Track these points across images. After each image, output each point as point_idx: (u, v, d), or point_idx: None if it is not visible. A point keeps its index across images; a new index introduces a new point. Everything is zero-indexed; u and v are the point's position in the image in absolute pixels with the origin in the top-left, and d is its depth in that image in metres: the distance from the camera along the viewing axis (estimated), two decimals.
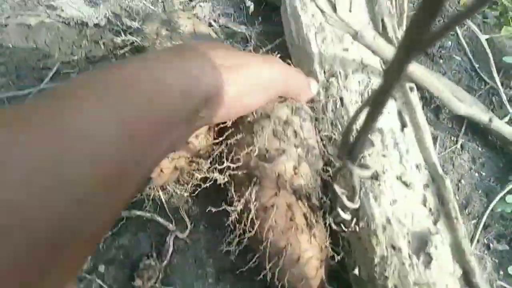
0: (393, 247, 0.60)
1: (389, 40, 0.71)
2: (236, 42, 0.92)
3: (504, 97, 0.88)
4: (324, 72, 0.75)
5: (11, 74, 0.76)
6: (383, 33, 0.74)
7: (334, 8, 0.60)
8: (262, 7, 0.96)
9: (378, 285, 0.60)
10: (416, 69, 0.73)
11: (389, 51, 0.66)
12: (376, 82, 0.73)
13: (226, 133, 0.59)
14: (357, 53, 0.73)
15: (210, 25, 0.87)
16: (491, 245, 0.80)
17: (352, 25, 0.64)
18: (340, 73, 0.73)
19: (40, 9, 0.80)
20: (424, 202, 0.64)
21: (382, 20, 0.75)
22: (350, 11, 0.69)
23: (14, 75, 0.76)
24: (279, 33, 0.93)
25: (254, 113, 0.61)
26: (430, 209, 0.63)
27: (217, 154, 0.62)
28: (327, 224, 0.60)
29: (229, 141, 0.59)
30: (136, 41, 0.75)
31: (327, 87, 0.73)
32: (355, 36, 0.64)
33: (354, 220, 0.56)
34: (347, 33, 0.66)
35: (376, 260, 0.60)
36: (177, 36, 0.75)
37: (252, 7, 0.86)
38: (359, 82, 0.73)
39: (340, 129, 0.71)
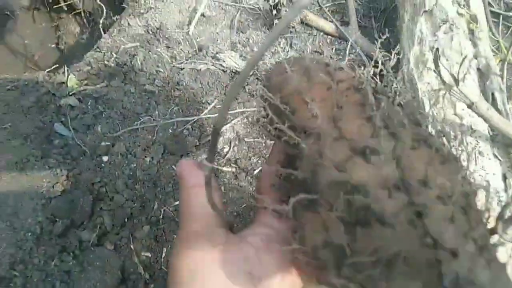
0: None
1: (499, 112, 0.83)
2: None
3: None
4: (436, 132, 0.87)
5: (182, 105, 1.00)
6: (493, 105, 0.86)
7: (456, 82, 0.74)
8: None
9: None
10: None
11: (500, 122, 0.77)
12: (483, 146, 0.83)
13: None
14: (467, 119, 0.85)
15: None
16: None
17: (470, 97, 0.76)
18: (450, 134, 0.85)
19: (207, 59, 1.06)
20: None
21: (493, 94, 0.87)
22: (463, 82, 0.83)
23: (185, 106, 1.00)
24: None
25: None
26: None
27: None
28: None
29: None
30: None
31: None
32: (471, 106, 0.76)
33: None
34: (464, 103, 0.78)
35: None
36: None
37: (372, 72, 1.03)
38: (467, 144, 0.85)
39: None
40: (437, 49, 0.68)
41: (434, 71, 0.70)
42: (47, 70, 1.03)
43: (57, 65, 1.05)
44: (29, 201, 0.78)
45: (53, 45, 1.78)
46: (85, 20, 1.67)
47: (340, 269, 0.25)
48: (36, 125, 0.91)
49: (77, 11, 1.64)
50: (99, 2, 1.41)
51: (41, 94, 0.96)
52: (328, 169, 0.26)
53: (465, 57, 0.77)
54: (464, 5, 1.01)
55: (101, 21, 1.25)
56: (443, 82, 0.73)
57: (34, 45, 1.76)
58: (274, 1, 1.08)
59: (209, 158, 0.31)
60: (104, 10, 1.43)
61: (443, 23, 0.97)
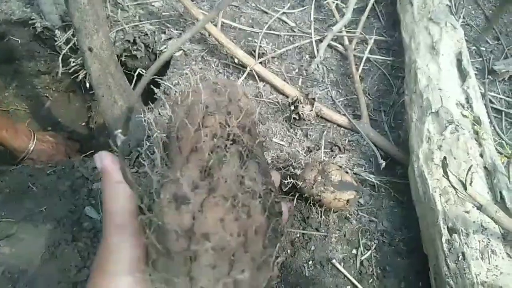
0: None
1: (507, 211, 0.86)
2: (365, 187, 1.15)
3: None
4: (447, 228, 0.91)
5: None
6: (501, 203, 0.90)
7: (464, 186, 0.79)
8: (388, 160, 1.19)
9: None
10: None
11: (510, 224, 0.81)
12: (495, 244, 0.86)
13: None
14: (477, 216, 0.89)
15: (346, 172, 1.12)
16: None
17: (478, 199, 0.81)
18: (462, 231, 0.89)
19: None
20: None
21: (500, 192, 0.91)
22: (471, 184, 0.88)
23: None
24: (401, 184, 1.14)
25: None
26: None
27: None
28: None
29: None
30: (297, 183, 1.02)
31: (450, 241, 0.89)
32: (480, 208, 0.81)
33: None
34: (473, 205, 0.83)
35: None
36: (329, 183, 1.00)
37: (383, 165, 1.10)
38: (479, 241, 0.87)
39: (459, 277, 0.84)
40: (445, 157, 0.75)
41: (443, 175, 0.76)
42: (83, 155, 1.12)
43: (92, 151, 1.14)
44: (57, 286, 0.81)
45: (83, 124, 1.93)
46: None
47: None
48: (69, 208, 0.97)
49: None
50: (132, 90, 1.57)
51: (76, 178, 1.04)
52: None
53: (471, 166, 0.83)
54: (467, 107, 1.10)
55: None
56: (453, 187, 0.78)
57: (66, 123, 1.91)
58: (292, 99, 1.20)
59: (123, 131, 0.37)
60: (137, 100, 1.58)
61: (449, 124, 1.05)
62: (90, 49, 0.88)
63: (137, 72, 1.56)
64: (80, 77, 1.60)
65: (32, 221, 0.91)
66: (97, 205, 1.00)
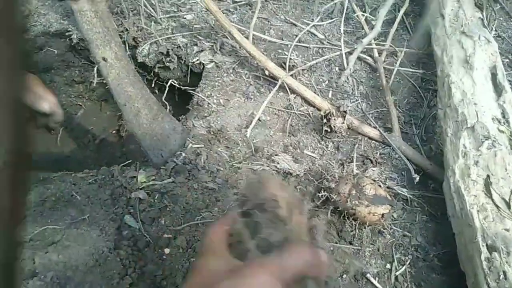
0: None
1: None
2: (398, 200, 1.14)
3: None
4: (487, 246, 0.90)
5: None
6: None
7: (508, 205, 0.79)
8: (421, 174, 1.18)
9: None
10: None
11: None
12: None
13: None
14: None
15: (379, 186, 1.12)
16: None
17: None
18: (502, 249, 0.88)
19: (263, 160, 1.16)
20: None
21: None
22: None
23: None
24: (435, 198, 1.13)
25: None
26: None
27: None
28: None
29: None
30: (331, 197, 1.02)
31: (490, 259, 0.88)
32: None
33: None
34: None
35: None
36: (363, 197, 1.00)
37: (417, 179, 1.10)
38: None
39: None
40: (488, 176, 0.75)
41: (486, 194, 0.76)
42: (121, 165, 1.15)
43: (131, 161, 1.18)
44: None
45: (114, 132, 1.98)
46: None
47: None
48: (110, 217, 1.01)
49: None
50: (164, 101, 1.61)
51: (115, 187, 1.08)
52: None
53: None
54: (504, 122, 1.09)
55: None
56: (496, 205, 0.78)
57: (98, 131, 1.97)
58: (325, 112, 1.21)
59: None
60: (168, 108, 1.62)
61: (486, 139, 1.04)
62: (104, 59, 0.91)
63: (169, 83, 1.61)
64: None
65: (76, 229, 0.95)
66: (135, 214, 1.03)
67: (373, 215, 0.99)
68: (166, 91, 1.60)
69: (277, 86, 1.36)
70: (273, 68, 1.37)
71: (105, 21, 0.81)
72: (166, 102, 1.61)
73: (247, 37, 1.46)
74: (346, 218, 1.05)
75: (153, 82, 1.68)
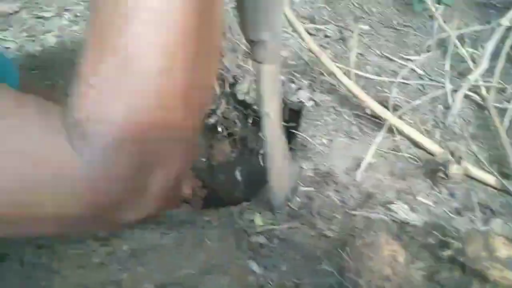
0: None
1: None
2: None
3: None
4: None
5: None
6: None
7: None
8: None
9: None
10: None
11: None
12: None
13: None
14: None
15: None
16: None
17: None
18: None
19: (378, 208, 1.16)
20: None
21: None
22: None
23: None
24: None
25: None
26: None
27: None
28: None
29: None
30: (457, 257, 0.99)
31: None
32: None
33: None
34: None
35: None
36: (495, 259, 0.96)
37: None
38: None
39: None
40: None
41: None
42: (238, 207, 1.21)
43: (248, 202, 1.23)
44: None
45: (205, 160, 2.08)
46: (238, 144, 1.94)
47: None
48: (235, 262, 1.05)
49: (233, 137, 1.93)
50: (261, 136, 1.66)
51: (237, 230, 1.13)
52: None
53: None
54: None
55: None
56: None
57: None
58: (443, 159, 1.18)
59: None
60: None
61: None
62: (268, 114, 0.95)
63: None
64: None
65: (208, 274, 1.01)
66: (258, 259, 1.07)
67: (508, 280, 0.95)
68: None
69: (385, 129, 1.34)
70: (379, 109, 1.37)
71: (277, 77, 0.87)
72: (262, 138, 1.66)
73: (349, 76, 1.46)
74: (473, 276, 1.01)
75: (251, 118, 1.75)
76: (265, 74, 0.85)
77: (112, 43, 0.30)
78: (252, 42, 0.79)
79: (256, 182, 1.84)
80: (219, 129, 1.84)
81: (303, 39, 1.45)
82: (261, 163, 1.73)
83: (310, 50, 1.48)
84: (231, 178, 2.00)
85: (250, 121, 1.78)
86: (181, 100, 0.34)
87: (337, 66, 1.46)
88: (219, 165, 2.03)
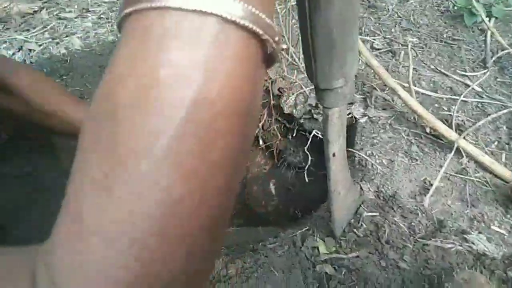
0: None
1: None
2: None
3: None
4: None
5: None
6: None
7: None
8: None
9: None
10: None
11: None
12: None
13: None
14: None
15: None
16: None
17: None
18: None
19: (452, 238, 1.08)
20: None
21: None
22: None
23: None
24: None
25: None
26: None
27: None
28: None
29: None
30: None
31: None
32: None
33: None
34: None
35: None
36: None
37: None
38: None
39: None
40: None
41: None
42: (299, 231, 1.12)
43: (308, 228, 1.15)
44: None
45: None
46: (275, 156, 1.86)
47: None
48: None
49: (270, 149, 1.85)
50: (307, 151, 1.58)
51: (301, 259, 1.04)
52: None
53: None
54: None
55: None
56: None
57: None
58: None
59: None
60: (310, 158, 1.59)
61: None
62: (334, 154, 0.89)
63: (312, 134, 1.58)
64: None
65: None
66: None
67: None
68: (309, 141, 1.57)
69: (453, 151, 1.26)
70: (443, 129, 1.29)
71: (343, 120, 0.79)
72: (308, 153, 1.58)
73: (410, 93, 1.39)
74: None
75: (295, 132, 1.67)
76: (334, 117, 0.77)
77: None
78: (322, 90, 0.71)
79: (292, 196, 1.76)
80: (260, 142, 1.76)
81: (360, 53, 1.38)
82: (305, 179, 1.65)
83: (366, 64, 1.41)
84: (264, 190, 1.93)
85: (293, 135, 1.70)
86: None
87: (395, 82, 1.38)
88: (252, 177, 1.95)
